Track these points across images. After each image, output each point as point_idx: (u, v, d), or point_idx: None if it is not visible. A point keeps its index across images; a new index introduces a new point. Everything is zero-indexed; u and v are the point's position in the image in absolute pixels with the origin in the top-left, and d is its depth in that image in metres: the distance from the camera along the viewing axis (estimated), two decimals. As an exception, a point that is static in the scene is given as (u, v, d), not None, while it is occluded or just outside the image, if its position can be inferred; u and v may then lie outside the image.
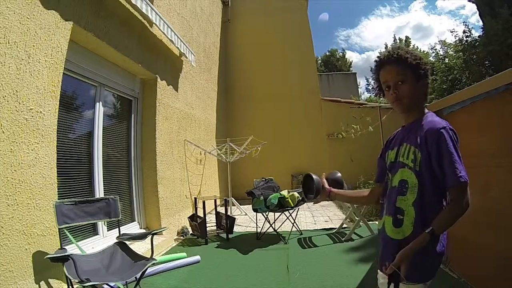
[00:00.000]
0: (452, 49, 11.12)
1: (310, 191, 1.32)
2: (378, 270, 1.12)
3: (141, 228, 3.80)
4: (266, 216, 3.92)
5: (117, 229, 2.52)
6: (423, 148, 0.97)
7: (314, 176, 1.29)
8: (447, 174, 0.93)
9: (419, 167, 0.98)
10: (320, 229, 4.25)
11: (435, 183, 0.96)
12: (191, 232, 4.24)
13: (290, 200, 3.80)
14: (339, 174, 1.38)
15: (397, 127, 1.19)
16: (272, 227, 3.92)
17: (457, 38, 10.30)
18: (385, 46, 25.47)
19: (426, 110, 1.08)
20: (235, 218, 4.18)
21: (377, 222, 4.29)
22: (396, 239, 1.00)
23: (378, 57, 1.10)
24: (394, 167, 1.08)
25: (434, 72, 10.84)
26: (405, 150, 1.05)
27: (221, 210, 4.46)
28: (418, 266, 0.94)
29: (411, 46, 24.09)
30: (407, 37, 25.15)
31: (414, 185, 0.99)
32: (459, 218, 0.92)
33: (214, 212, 4.63)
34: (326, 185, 1.26)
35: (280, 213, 3.94)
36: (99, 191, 3.08)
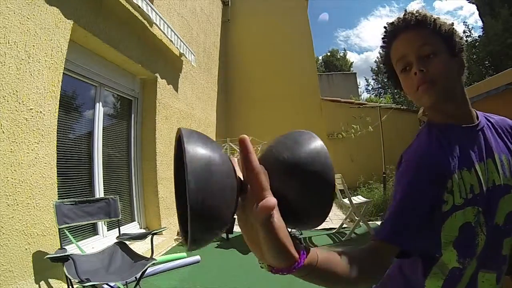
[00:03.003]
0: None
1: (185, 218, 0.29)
2: None
3: (141, 228, 3.79)
4: (266, 216, 3.90)
5: (117, 229, 2.52)
6: None
7: (188, 147, 0.28)
8: None
9: None
10: (320, 229, 4.25)
11: None
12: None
13: (290, 200, 3.79)
14: (315, 143, 0.39)
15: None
16: (272, 227, 3.91)
17: (457, 38, 10.31)
18: (385, 46, 25.36)
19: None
20: (235, 218, 4.18)
21: (377, 223, 4.28)
22: None
23: (390, 24, 0.68)
24: (492, 196, 0.62)
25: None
26: (502, 164, 0.64)
27: (221, 210, 4.46)
28: None
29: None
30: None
31: None
32: None
33: (214, 212, 4.63)
34: (268, 194, 0.31)
35: (280, 213, 3.93)
36: (99, 191, 3.08)
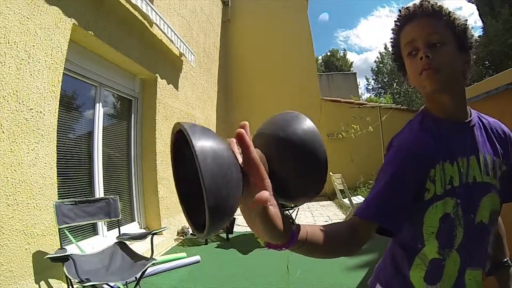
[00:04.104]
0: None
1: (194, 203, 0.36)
2: None
3: (141, 228, 3.79)
4: (266, 216, 3.91)
5: (117, 229, 2.52)
6: (509, 158, 0.70)
7: (197, 145, 0.29)
8: None
9: (500, 184, 0.68)
10: (320, 229, 4.25)
11: None
12: (191, 232, 4.24)
13: (290, 200, 3.80)
14: (308, 123, 0.42)
15: (398, 128, 0.76)
16: (272, 227, 3.91)
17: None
18: (384, 45, 25.48)
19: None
20: (235, 218, 4.18)
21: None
22: None
23: (406, 8, 0.69)
24: (472, 191, 0.65)
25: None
26: (486, 163, 0.66)
27: (221, 210, 4.46)
28: None
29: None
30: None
31: (497, 213, 0.68)
32: None
33: (214, 212, 4.63)
34: (267, 182, 0.36)
35: (280, 213, 3.94)
36: (99, 191, 3.08)
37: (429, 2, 0.66)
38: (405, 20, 0.69)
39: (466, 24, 0.67)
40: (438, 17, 0.65)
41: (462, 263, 0.64)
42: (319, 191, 0.43)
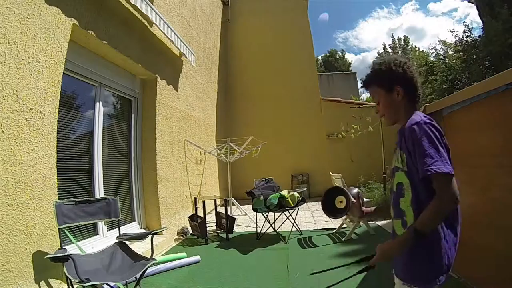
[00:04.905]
0: (452, 49, 11.13)
1: (335, 207, 1.36)
2: (394, 275, 1.17)
3: (141, 228, 3.79)
4: (266, 216, 3.92)
5: (117, 229, 2.52)
6: (403, 147, 1.03)
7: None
8: (419, 167, 0.94)
9: (407, 166, 1.02)
10: (320, 229, 4.25)
11: (424, 180, 0.95)
12: (191, 232, 4.24)
13: (290, 200, 3.80)
14: (356, 190, 1.37)
15: (398, 127, 1.18)
16: (272, 227, 3.91)
17: (457, 38, 10.31)
18: (383, 46, 25.54)
19: (416, 112, 1.09)
20: (235, 218, 4.18)
21: (377, 223, 4.30)
22: None
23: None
24: (392, 172, 1.14)
25: (434, 72, 10.85)
26: (397, 154, 1.09)
27: (221, 210, 4.46)
28: (409, 267, 1.03)
29: (409, 46, 24.18)
30: (406, 37, 25.18)
31: (408, 185, 1.02)
32: (444, 213, 0.92)
33: (214, 212, 4.63)
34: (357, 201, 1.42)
35: (280, 213, 3.94)
36: (99, 191, 3.08)
37: (363, 82, 1.21)
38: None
39: (383, 69, 1.11)
40: (370, 85, 1.18)
41: (393, 212, 1.13)
42: None
